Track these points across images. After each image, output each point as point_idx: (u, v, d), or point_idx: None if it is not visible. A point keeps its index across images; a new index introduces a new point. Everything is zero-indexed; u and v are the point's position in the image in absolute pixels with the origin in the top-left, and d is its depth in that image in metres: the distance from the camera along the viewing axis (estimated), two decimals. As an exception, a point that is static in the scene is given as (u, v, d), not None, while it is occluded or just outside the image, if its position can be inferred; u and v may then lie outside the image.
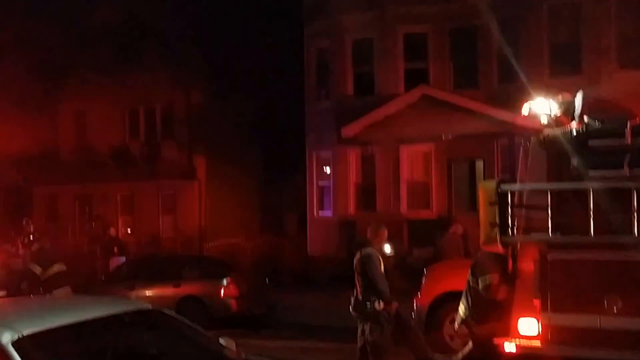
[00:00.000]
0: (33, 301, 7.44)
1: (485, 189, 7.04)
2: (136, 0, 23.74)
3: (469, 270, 7.53)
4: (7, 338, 4.47)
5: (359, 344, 8.44)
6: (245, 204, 25.13)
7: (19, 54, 23.84)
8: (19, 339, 4.49)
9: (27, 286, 11.21)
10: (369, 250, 8.36)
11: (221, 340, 5.38)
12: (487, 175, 18.61)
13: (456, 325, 8.04)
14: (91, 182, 25.52)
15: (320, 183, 22.57)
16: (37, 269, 10.89)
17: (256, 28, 24.01)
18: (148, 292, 14.26)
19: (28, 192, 26.67)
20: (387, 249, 9.05)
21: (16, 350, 4.40)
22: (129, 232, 22.84)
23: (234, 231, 23.14)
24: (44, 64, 24.46)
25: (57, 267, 11.14)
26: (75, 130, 27.09)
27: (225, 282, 14.31)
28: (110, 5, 24.02)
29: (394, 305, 8.29)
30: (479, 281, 7.26)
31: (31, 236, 13.82)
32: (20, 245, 14.53)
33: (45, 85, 24.91)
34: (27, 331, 4.59)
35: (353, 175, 21.51)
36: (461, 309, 7.65)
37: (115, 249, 19.29)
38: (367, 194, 21.13)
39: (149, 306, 5.82)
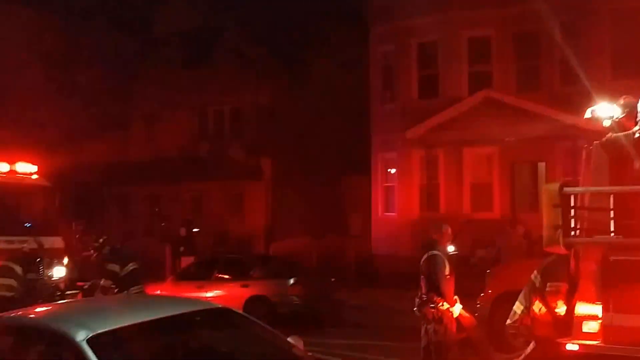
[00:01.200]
0: (106, 300, 7.63)
1: (549, 191, 6.91)
2: (206, 4, 24.14)
3: (536, 272, 7.38)
4: (82, 336, 4.58)
5: (422, 344, 8.35)
6: (310, 204, 25.21)
7: (93, 59, 24.57)
8: (92, 336, 4.58)
9: (106, 284, 11.46)
10: (435, 251, 8.27)
11: (290, 339, 5.39)
12: (550, 177, 18.26)
13: (509, 321, 7.91)
14: (161, 182, 26.00)
15: (385, 184, 22.54)
16: (116, 267, 11.14)
17: (323, 31, 24.11)
18: (216, 291, 14.39)
19: (101, 193, 27.34)
20: (451, 249, 8.91)
21: (90, 347, 4.50)
22: (198, 231, 23.22)
23: (299, 231, 23.24)
24: (116, 68, 25.14)
25: (131, 266, 11.37)
26: (146, 132, 27.66)
27: (291, 281, 14.34)
28: (180, 10, 24.48)
29: (458, 306, 8.18)
30: (548, 286, 7.11)
31: (101, 240, 14.06)
32: (92, 244, 14.81)
33: (117, 89, 25.56)
34: (100, 329, 4.69)
35: (417, 176, 21.40)
36: (519, 307, 7.52)
37: (184, 249, 19.61)
38: (431, 195, 20.98)
39: (219, 305, 5.88)
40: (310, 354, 5.46)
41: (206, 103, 26.11)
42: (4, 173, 12.50)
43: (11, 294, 10.41)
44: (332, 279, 15.86)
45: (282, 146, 24.86)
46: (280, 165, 25.32)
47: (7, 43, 21.88)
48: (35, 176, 13.14)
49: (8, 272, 10.64)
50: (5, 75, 21.39)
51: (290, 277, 14.47)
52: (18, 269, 10.63)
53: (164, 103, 25.67)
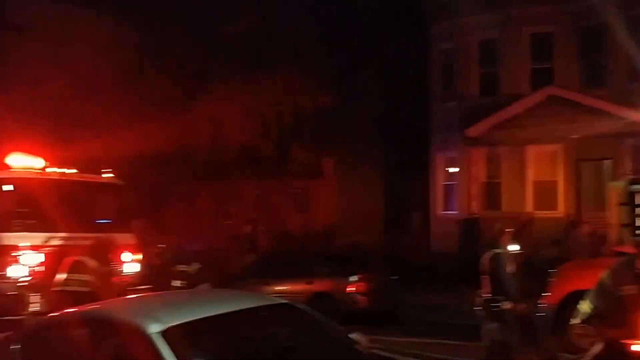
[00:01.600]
0: (177, 295, 7.82)
1: (615, 189, 6.77)
2: (266, 7, 24.37)
3: (606, 271, 7.20)
4: (155, 329, 4.70)
5: (484, 343, 8.27)
6: (371, 202, 25.19)
7: (159, 61, 25.10)
8: (165, 329, 4.71)
9: (175, 284, 11.77)
10: (498, 250, 8.19)
11: (353, 335, 5.42)
12: (616, 175, 17.77)
13: (575, 321, 7.72)
14: (226, 181, 26.37)
15: (445, 182, 22.35)
16: (184, 267, 11.46)
17: (382, 30, 24.04)
18: (281, 288, 14.50)
19: (168, 191, 27.86)
20: (514, 248, 8.80)
21: (163, 340, 4.62)
22: (262, 229, 23.48)
23: (360, 229, 23.26)
24: (182, 70, 25.63)
25: (196, 265, 11.66)
26: (211, 132, 28.05)
27: (355, 279, 14.37)
28: (242, 12, 24.78)
29: (521, 305, 8.07)
30: (618, 286, 6.94)
31: (162, 245, 14.35)
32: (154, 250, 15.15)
33: (183, 90, 26.02)
34: (172, 322, 4.82)
35: (478, 174, 21.13)
36: (587, 306, 7.34)
37: (249, 246, 19.85)
38: (492, 193, 20.71)
39: (285, 300, 5.96)
40: (373, 351, 5.48)
41: (269, 103, 26.35)
42: (79, 171, 12.95)
43: (86, 289, 10.76)
44: (395, 277, 15.83)
45: (344, 145, 24.91)
46: (341, 163, 25.38)
47: (81, 48, 22.59)
48: (107, 174, 13.56)
49: (82, 268, 11.00)
50: (81, 80, 22.09)
51: (353, 275, 14.50)
52: (92, 264, 10.99)
53: (228, 103, 25.99)
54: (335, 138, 25.13)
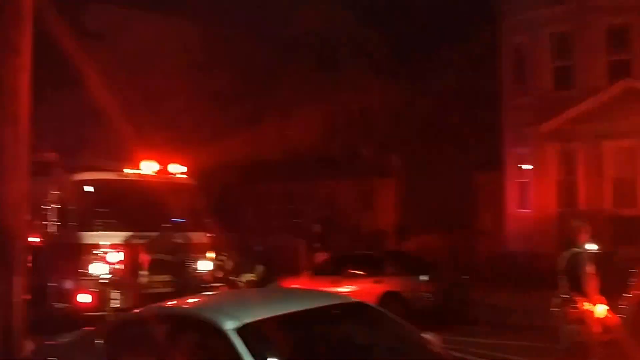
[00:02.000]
0: (252, 293, 7.92)
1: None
2: (334, 6, 24.42)
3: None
4: (231, 325, 4.78)
5: (562, 345, 8.05)
6: (440, 200, 24.91)
7: (230, 62, 25.51)
8: (241, 326, 4.78)
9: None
10: (576, 249, 7.95)
11: (426, 335, 5.38)
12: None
13: None
14: (295, 181, 26.57)
15: (519, 179, 21.87)
16: (250, 276, 11.72)
17: (451, 26, 23.71)
18: (350, 287, 14.54)
19: (239, 191, 28.28)
20: (592, 247, 8.53)
21: (239, 336, 4.69)
22: (331, 228, 23.55)
23: (429, 227, 23.03)
24: (252, 71, 25.98)
25: (259, 268, 11.89)
26: (280, 132, 28.30)
27: (425, 278, 14.26)
28: (310, 13, 24.91)
29: (602, 306, 7.81)
30: None
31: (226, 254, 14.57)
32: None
33: (253, 91, 26.35)
34: (248, 320, 4.89)
35: (554, 171, 20.60)
36: None
37: (318, 245, 19.95)
38: (568, 190, 20.15)
39: (358, 300, 5.95)
40: (447, 351, 5.41)
41: (336, 102, 26.41)
42: (156, 172, 13.33)
43: (168, 289, 11.08)
44: (466, 276, 15.62)
45: (412, 142, 24.73)
46: (409, 161, 25.21)
47: (155, 50, 23.22)
48: (182, 175, 13.90)
49: (162, 268, 11.35)
50: (155, 82, 22.71)
51: (423, 274, 14.39)
52: (171, 263, 11.32)
53: (296, 103, 26.19)
54: (403, 136, 24.97)
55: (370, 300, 11.69)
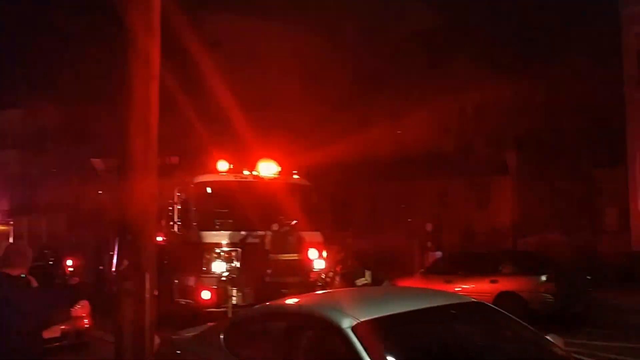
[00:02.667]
0: (368, 291, 7.99)
1: None
2: (445, 2, 24.14)
3: None
4: (347, 323, 4.86)
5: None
6: (559, 198, 24.03)
7: (342, 63, 25.73)
8: (356, 324, 4.85)
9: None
10: None
11: (549, 337, 5.25)
12: None
13: None
14: (407, 179, 26.43)
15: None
16: (363, 281, 11.88)
17: (569, 17, 22.83)
18: (465, 287, 14.32)
19: (351, 190, 28.44)
20: None
21: (354, 334, 4.76)
22: (444, 227, 23.26)
23: (548, 226, 22.28)
24: (363, 70, 26.09)
25: (368, 273, 12.01)
26: (392, 131, 28.24)
27: (543, 278, 13.81)
28: (421, 10, 24.73)
29: None
30: None
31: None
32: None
33: (364, 91, 26.45)
34: (363, 318, 4.95)
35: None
36: None
37: (431, 244, 19.77)
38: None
39: (475, 299, 5.88)
40: (571, 354, 5.26)
41: (449, 99, 26.07)
42: (272, 174, 13.74)
43: (285, 287, 11.42)
44: (588, 277, 14.99)
45: (528, 139, 24.01)
46: (526, 158, 24.48)
47: (270, 55, 23.85)
48: (296, 176, 14.24)
49: (279, 266, 11.70)
50: (270, 86, 23.32)
51: (542, 274, 13.93)
52: (287, 262, 11.66)
53: (409, 102, 26.06)
54: (519, 132, 24.27)
55: (486, 300, 11.49)
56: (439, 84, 25.10)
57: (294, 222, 12.56)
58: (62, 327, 10.64)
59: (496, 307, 5.76)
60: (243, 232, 12.77)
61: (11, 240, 24.19)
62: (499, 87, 24.46)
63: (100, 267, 16.31)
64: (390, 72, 26.63)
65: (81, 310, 11.21)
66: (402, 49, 26.21)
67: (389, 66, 26.56)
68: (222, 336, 5.94)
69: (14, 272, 5.24)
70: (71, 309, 10.96)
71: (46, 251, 19.66)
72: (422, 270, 16.88)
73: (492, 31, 24.34)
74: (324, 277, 13.19)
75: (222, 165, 13.50)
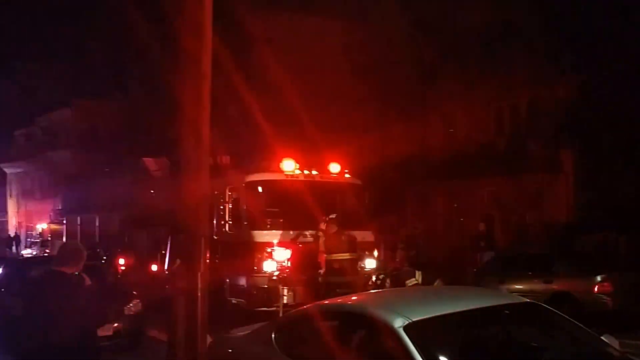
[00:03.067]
0: (420, 291, 7.98)
1: None
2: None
3: None
4: (399, 323, 4.88)
5: None
6: (617, 198, 23.44)
7: (393, 60, 25.61)
8: (408, 324, 4.86)
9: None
10: None
11: (604, 338, 5.16)
12: None
13: None
14: (459, 178, 26.15)
15: None
16: (413, 281, 11.86)
17: (621, 10, 22.22)
18: (518, 287, 14.14)
19: (402, 190, 28.29)
20: None
21: (407, 334, 4.78)
22: (496, 227, 22.96)
23: (606, 226, 21.75)
24: (414, 68, 25.92)
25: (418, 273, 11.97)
26: (443, 130, 28.01)
27: (599, 278, 13.52)
28: (473, 6, 24.44)
29: None
30: None
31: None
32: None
33: (416, 88, 26.29)
34: (415, 317, 4.96)
35: None
36: None
37: (483, 244, 19.54)
38: None
39: (528, 300, 5.82)
40: (628, 355, 5.15)
41: (502, 98, 25.71)
42: (323, 173, 13.78)
43: (337, 287, 11.46)
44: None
45: (584, 138, 23.48)
46: (581, 157, 23.94)
47: (318, 52, 23.93)
48: (347, 175, 14.24)
49: (331, 266, 11.75)
50: (319, 83, 23.39)
51: (598, 274, 13.65)
52: (339, 261, 11.70)
53: (460, 100, 25.82)
54: (574, 131, 23.77)
55: (539, 300, 11.32)
56: (492, 81, 24.76)
57: (332, 216, 12.49)
58: (115, 325, 10.86)
59: (550, 308, 5.68)
60: (294, 231, 12.84)
61: (64, 239, 24.83)
62: (554, 83, 24.01)
63: (153, 267, 16.61)
64: (443, 69, 26.40)
65: (134, 309, 11.41)
66: (456, 45, 25.94)
67: (443, 62, 26.33)
68: (273, 335, 6.02)
69: (68, 270, 5.37)
70: (124, 308, 11.25)
71: (99, 250, 20.09)
72: (475, 270, 16.73)
73: (548, 26, 23.88)
74: (374, 278, 13.19)
75: (273, 165, 13.61)
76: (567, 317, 5.50)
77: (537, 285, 13.99)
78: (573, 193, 24.31)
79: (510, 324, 5.41)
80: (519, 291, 13.57)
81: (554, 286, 13.80)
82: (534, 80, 23.87)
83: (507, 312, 5.42)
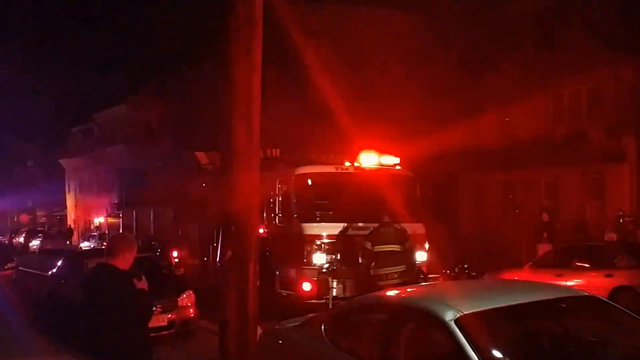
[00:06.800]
0: (471, 284, 7.92)
1: None
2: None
3: None
4: (450, 316, 4.84)
5: None
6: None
7: (446, 48, 25.31)
8: (460, 317, 4.82)
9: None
10: None
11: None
12: None
13: None
14: (515, 168, 25.70)
15: None
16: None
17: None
18: (577, 280, 13.84)
19: (456, 181, 28.00)
20: None
21: (458, 327, 4.74)
22: (555, 218, 22.47)
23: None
24: (469, 55, 25.55)
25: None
26: (499, 118, 27.56)
27: (663, 271, 13.16)
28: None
29: None
30: None
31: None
32: None
33: (470, 76, 25.91)
34: (468, 310, 4.92)
35: None
36: None
37: (545, 235, 19.17)
38: None
39: (587, 293, 5.70)
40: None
41: (561, 84, 25.11)
42: (374, 165, 13.76)
43: (387, 279, 11.45)
44: None
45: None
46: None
47: (370, 43, 23.84)
48: (398, 167, 14.18)
49: (381, 258, 11.73)
50: (371, 74, 23.31)
51: (661, 267, 13.28)
52: (389, 254, 11.68)
53: (517, 87, 25.33)
54: (638, 117, 23.07)
55: (599, 294, 11.08)
56: (550, 66, 24.21)
57: (397, 213, 12.47)
58: (169, 316, 11.12)
59: (610, 302, 5.55)
60: (344, 224, 12.85)
61: (120, 232, 25.43)
62: (615, 68, 23.33)
63: (205, 259, 16.86)
64: (498, 55, 25.95)
65: (187, 300, 11.66)
66: (511, 30, 25.45)
67: (497, 49, 25.87)
68: (323, 327, 6.05)
69: (119, 262, 5.46)
70: (178, 299, 11.50)
71: (153, 243, 20.50)
72: (531, 262, 16.44)
73: (609, 8, 23.19)
74: (456, 269, 13.19)
75: (323, 157, 13.65)
76: (628, 311, 5.37)
77: (598, 279, 13.67)
78: (637, 183, 23.64)
79: (567, 318, 5.32)
80: (578, 285, 13.27)
81: (616, 280, 13.47)
82: (595, 64, 23.17)
83: (564, 305, 5.33)
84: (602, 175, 24.27)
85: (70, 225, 54.36)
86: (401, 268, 11.73)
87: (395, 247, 11.93)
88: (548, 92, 25.51)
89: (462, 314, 4.85)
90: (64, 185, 60.00)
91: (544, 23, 24.68)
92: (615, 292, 13.05)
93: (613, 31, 22.94)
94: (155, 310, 8.93)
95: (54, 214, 64.19)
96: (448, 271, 13.35)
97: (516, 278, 14.47)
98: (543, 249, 17.88)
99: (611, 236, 18.64)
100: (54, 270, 14.62)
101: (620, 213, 20.09)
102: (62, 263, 14.57)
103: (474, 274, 13.16)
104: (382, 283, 11.18)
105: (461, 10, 24.48)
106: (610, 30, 23.00)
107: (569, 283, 13.44)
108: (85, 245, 38.66)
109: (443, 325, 4.81)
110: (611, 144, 23.68)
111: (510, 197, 26.79)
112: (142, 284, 5.46)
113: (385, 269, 11.66)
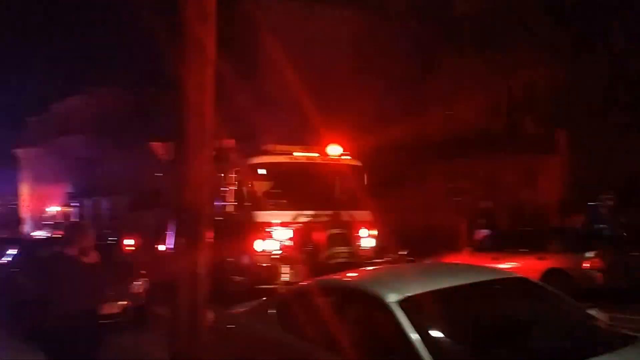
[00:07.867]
0: (413, 267, 7.97)
1: None
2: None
3: None
4: (394, 298, 4.87)
5: None
6: (610, 175, 23.36)
7: (393, 45, 25.45)
8: (402, 299, 4.86)
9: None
10: None
11: (591, 311, 5.16)
12: None
13: None
14: (456, 159, 26.11)
15: None
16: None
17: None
18: (512, 264, 14.12)
19: (401, 171, 28.27)
20: None
21: (401, 309, 4.77)
22: (493, 205, 22.93)
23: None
24: (414, 52, 25.77)
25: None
26: (442, 113, 27.90)
27: (591, 254, 13.51)
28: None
29: None
30: None
31: None
32: None
33: (415, 72, 26.15)
34: (410, 293, 4.95)
35: None
36: None
37: (483, 221, 19.51)
38: None
39: (519, 275, 5.81)
40: (614, 328, 5.15)
41: (499, 79, 25.59)
42: (323, 155, 13.77)
43: (334, 264, 11.48)
44: (636, 253, 14.56)
45: (579, 119, 23.37)
46: (575, 136, 23.87)
47: (319, 38, 23.82)
48: (348, 157, 14.22)
49: (329, 244, 11.77)
50: (321, 68, 23.29)
51: (589, 250, 13.64)
52: (337, 240, 11.73)
53: (459, 84, 25.70)
54: (569, 111, 23.66)
55: (533, 277, 11.32)
56: (490, 65, 24.61)
57: (345, 200, 12.51)
58: (122, 303, 10.94)
59: (539, 283, 5.68)
60: (295, 212, 12.85)
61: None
62: (549, 67, 23.86)
63: (158, 246, 16.66)
64: (441, 53, 26.24)
65: (140, 287, 11.49)
66: (454, 31, 25.76)
67: (442, 48, 26.17)
68: (272, 311, 6.03)
69: (73, 250, 5.35)
70: (130, 286, 11.32)
71: (106, 231, 20.16)
72: (470, 248, 16.72)
73: (545, 12, 23.67)
74: (374, 253, 13.28)
75: (276, 148, 13.60)
76: (556, 291, 5.50)
77: (531, 262, 13.97)
78: (566, 172, 24.27)
79: (501, 299, 5.42)
80: (513, 268, 13.54)
81: (548, 263, 13.79)
82: (530, 63, 23.69)
83: (498, 287, 5.42)
84: (535, 164, 24.84)
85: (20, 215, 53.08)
86: (349, 249, 11.79)
87: (343, 230, 11.99)
88: (487, 89, 25.98)
89: (404, 296, 4.88)
90: (19, 174, 58.44)
91: (484, 25, 25.07)
92: (548, 274, 13.36)
93: (547, 33, 23.45)
94: (108, 297, 8.76)
95: (9, 205, 62.51)
96: (391, 257, 13.46)
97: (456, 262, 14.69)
98: (481, 234, 18.20)
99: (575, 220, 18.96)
100: (9, 258, 14.23)
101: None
102: (17, 252, 14.19)
103: (412, 259, 13.29)
104: (332, 262, 11.22)
105: (409, 8, 24.66)
106: (544, 32, 23.50)
107: (504, 266, 13.70)
108: (38, 234, 37.77)
109: (386, 307, 4.83)
110: (544, 136, 24.26)
111: (451, 186, 27.19)
112: (95, 266, 5.37)
113: (334, 249, 11.74)
